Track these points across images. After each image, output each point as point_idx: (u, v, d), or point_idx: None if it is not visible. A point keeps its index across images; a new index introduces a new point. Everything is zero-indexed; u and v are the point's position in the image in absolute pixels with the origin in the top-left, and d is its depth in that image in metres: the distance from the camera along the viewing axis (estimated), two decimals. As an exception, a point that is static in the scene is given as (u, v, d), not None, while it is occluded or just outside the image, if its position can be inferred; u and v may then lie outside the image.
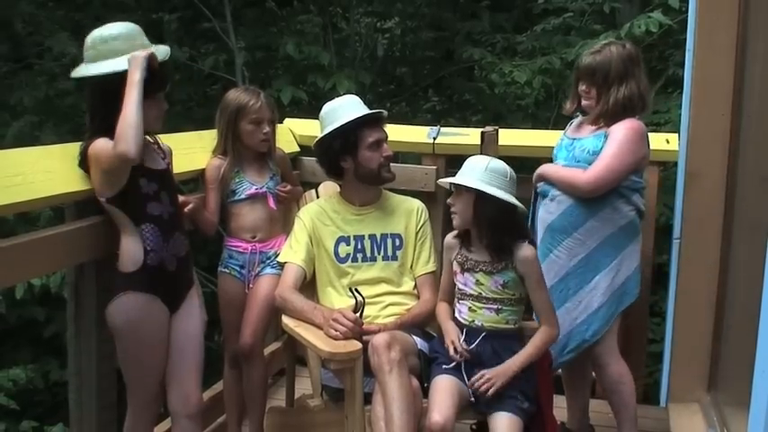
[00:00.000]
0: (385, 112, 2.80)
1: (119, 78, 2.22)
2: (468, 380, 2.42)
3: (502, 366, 2.43)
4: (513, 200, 2.41)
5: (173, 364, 2.43)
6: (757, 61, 2.92)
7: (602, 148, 2.69)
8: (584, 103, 2.79)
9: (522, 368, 2.43)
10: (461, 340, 2.47)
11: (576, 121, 2.93)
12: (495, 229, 2.44)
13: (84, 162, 2.30)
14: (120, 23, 2.35)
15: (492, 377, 2.40)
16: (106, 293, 2.34)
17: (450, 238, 2.60)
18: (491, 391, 2.38)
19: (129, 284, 2.29)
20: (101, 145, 2.23)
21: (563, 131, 2.97)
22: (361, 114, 2.71)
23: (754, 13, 2.93)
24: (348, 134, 2.71)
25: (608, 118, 2.72)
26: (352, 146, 2.71)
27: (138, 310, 2.31)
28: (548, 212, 2.80)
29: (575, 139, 2.83)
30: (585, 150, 2.74)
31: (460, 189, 2.46)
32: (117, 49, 2.26)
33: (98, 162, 2.25)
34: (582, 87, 2.78)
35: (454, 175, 2.49)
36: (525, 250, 2.47)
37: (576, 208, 2.73)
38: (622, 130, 2.69)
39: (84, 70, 2.30)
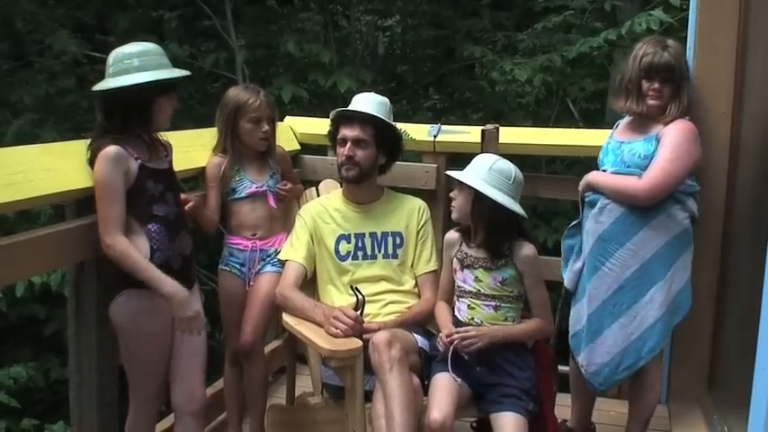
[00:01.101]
0: (374, 112, 2.71)
1: (135, 89, 2.27)
2: (465, 379, 2.42)
3: (487, 329, 2.43)
4: (510, 203, 2.40)
5: (177, 361, 2.43)
6: (758, 60, 2.92)
7: (653, 152, 2.55)
8: (651, 102, 2.59)
9: (506, 340, 2.44)
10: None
11: (623, 122, 2.78)
12: (491, 228, 2.44)
13: (92, 161, 2.31)
14: (143, 42, 2.40)
15: (476, 336, 2.39)
16: (107, 291, 2.34)
17: (450, 234, 2.60)
18: (471, 349, 2.39)
19: (134, 282, 2.29)
20: (103, 163, 2.25)
21: (610, 130, 2.83)
22: (341, 109, 2.76)
23: (755, 12, 2.93)
24: (333, 128, 2.78)
25: (676, 117, 2.59)
26: (333, 140, 2.80)
27: (142, 307, 2.32)
28: (597, 222, 2.64)
29: (622, 142, 2.67)
30: (636, 154, 2.59)
31: (463, 184, 2.46)
32: (136, 65, 2.30)
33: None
34: (654, 86, 2.58)
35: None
36: (526, 249, 2.47)
37: (628, 216, 2.58)
38: (675, 132, 2.55)
39: (104, 84, 2.33)
